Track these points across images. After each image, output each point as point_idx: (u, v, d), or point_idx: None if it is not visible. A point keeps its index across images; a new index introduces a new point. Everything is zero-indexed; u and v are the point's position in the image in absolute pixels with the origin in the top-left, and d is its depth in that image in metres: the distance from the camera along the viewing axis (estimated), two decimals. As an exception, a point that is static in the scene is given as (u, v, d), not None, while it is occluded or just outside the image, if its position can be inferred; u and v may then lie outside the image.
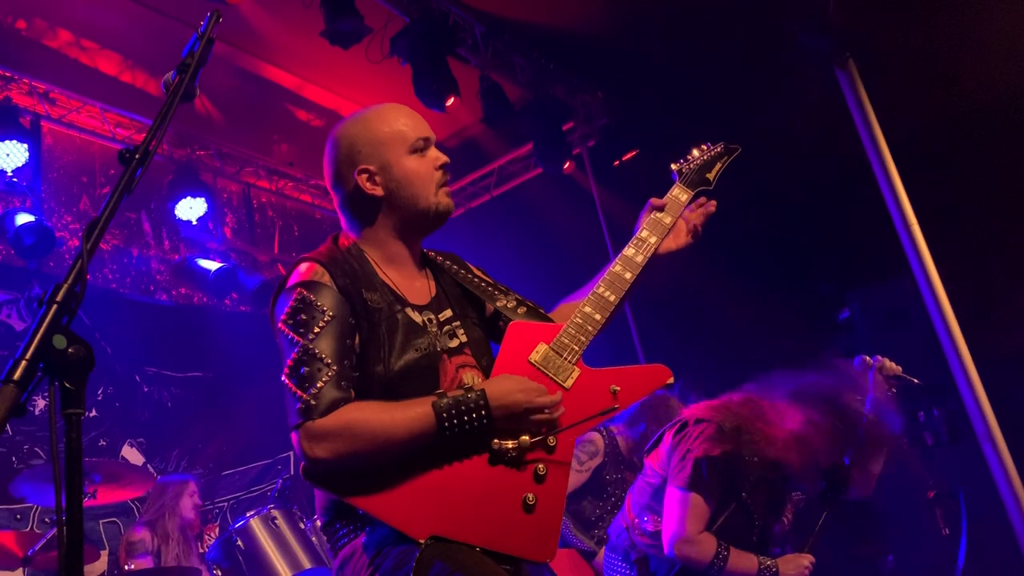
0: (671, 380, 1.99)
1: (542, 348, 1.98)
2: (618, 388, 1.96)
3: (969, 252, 5.86)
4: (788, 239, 6.55)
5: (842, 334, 6.61)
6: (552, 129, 6.97)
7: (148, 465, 6.11)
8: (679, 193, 2.32)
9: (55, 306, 1.19)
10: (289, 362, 1.81)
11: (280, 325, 1.87)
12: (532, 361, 1.97)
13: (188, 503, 5.00)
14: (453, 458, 1.83)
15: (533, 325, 2.03)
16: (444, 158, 2.06)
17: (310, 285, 1.87)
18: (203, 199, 6.48)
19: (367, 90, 7.30)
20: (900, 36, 5.92)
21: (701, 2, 5.89)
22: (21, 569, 4.26)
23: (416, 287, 2.05)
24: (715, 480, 2.91)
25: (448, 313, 2.04)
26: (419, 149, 2.03)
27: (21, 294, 5.76)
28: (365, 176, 2.00)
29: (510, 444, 1.83)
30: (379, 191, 2.00)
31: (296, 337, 1.82)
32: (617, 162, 7.52)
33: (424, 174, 2.01)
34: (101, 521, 5.76)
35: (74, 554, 1.11)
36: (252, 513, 4.56)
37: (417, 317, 1.97)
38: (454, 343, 1.99)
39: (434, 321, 2.00)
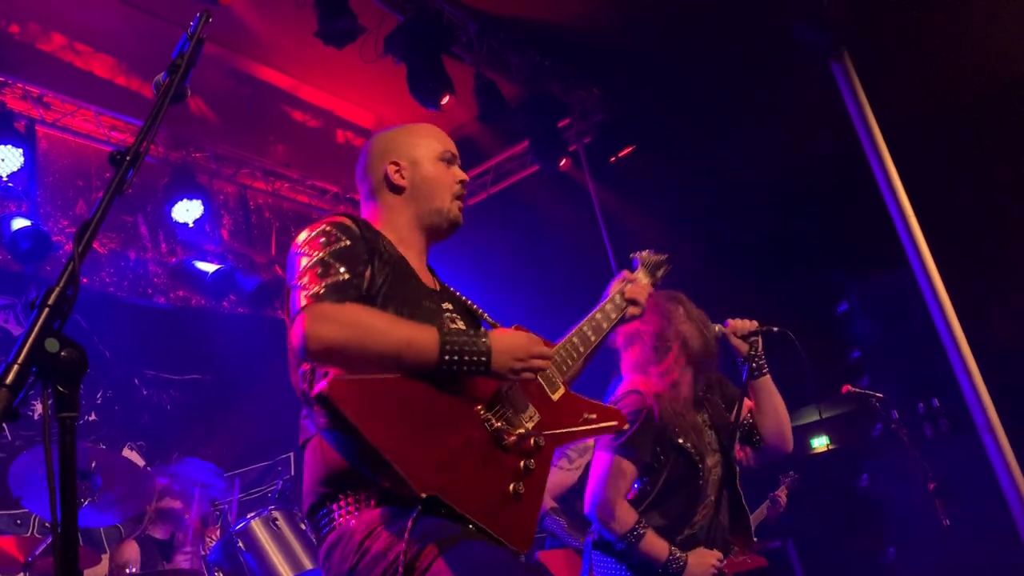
0: (624, 427, 2.25)
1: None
2: (594, 416, 2.15)
3: (967, 243, 5.86)
4: (786, 233, 6.55)
5: (841, 326, 6.62)
6: (548, 126, 6.96)
7: (148, 468, 6.10)
8: (643, 278, 2.63)
9: (47, 309, 1.19)
10: (303, 267, 1.90)
11: (298, 249, 1.97)
12: None
13: (166, 498, 4.98)
14: (460, 425, 1.86)
15: (530, 333, 2.14)
16: (465, 176, 2.26)
17: (335, 223, 2.01)
18: (199, 201, 6.47)
19: (362, 90, 7.30)
20: (895, 29, 5.92)
21: (696, -2, 5.89)
22: (22, 574, 4.25)
23: (426, 275, 2.18)
24: (641, 437, 2.91)
25: (449, 306, 2.16)
26: (446, 160, 2.24)
27: (18, 299, 5.75)
28: (394, 167, 2.19)
29: (513, 431, 1.91)
30: (403, 183, 2.18)
31: (312, 251, 1.93)
32: (613, 158, 7.52)
33: (445, 182, 2.21)
34: (103, 528, 5.75)
35: (70, 556, 1.11)
36: (253, 515, 4.55)
37: (424, 283, 2.12)
38: (455, 325, 2.11)
39: (435, 300, 2.11)
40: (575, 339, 2.25)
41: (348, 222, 2.02)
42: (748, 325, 3.05)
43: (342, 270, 1.88)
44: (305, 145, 7.73)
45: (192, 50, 1.49)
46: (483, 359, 1.85)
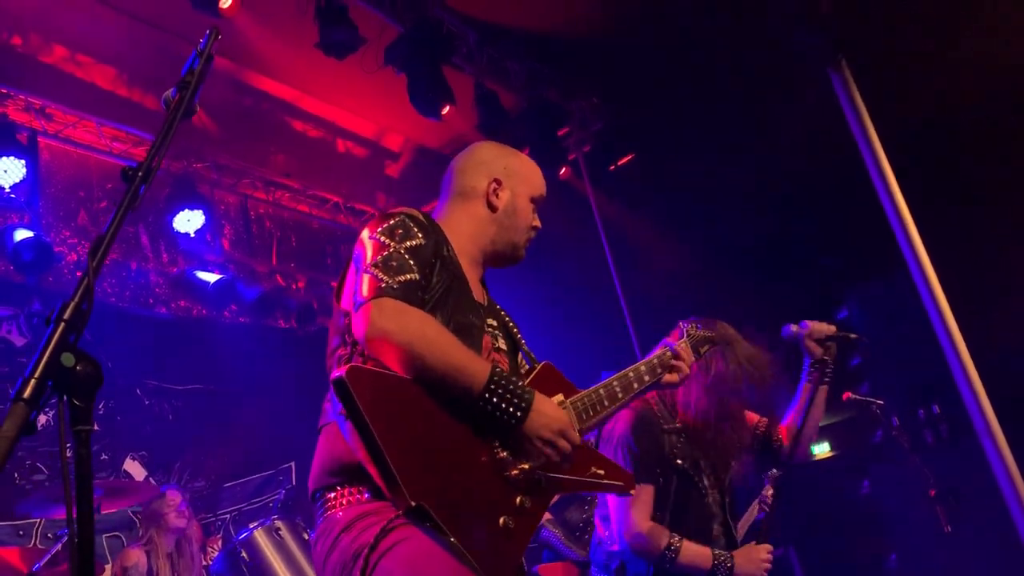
0: (631, 491, 2.20)
1: (560, 398, 2.11)
2: (602, 472, 2.11)
3: (965, 248, 5.88)
4: (785, 239, 6.57)
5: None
6: (547, 135, 6.99)
7: (150, 478, 6.11)
8: (685, 350, 2.55)
9: (63, 324, 1.21)
10: (377, 255, 1.92)
11: (374, 233, 1.98)
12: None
13: (172, 513, 4.98)
14: (468, 445, 1.85)
15: (560, 375, 2.19)
16: (540, 225, 2.35)
17: (411, 215, 2.05)
18: (201, 211, 6.49)
19: (363, 100, 7.33)
20: (893, 36, 5.95)
21: (695, 6, 5.92)
22: (26, 585, 4.25)
23: (477, 288, 2.22)
24: (645, 459, 2.89)
25: (493, 323, 2.20)
26: (535, 203, 2.33)
27: (21, 310, 5.76)
28: (495, 185, 2.25)
29: (519, 465, 1.89)
30: (498, 204, 2.24)
31: (389, 241, 1.95)
32: (613, 167, 7.54)
33: (528, 222, 2.30)
34: (104, 536, 5.75)
35: (87, 566, 1.12)
36: (256, 524, 4.56)
37: (474, 297, 2.14)
38: (498, 344, 2.16)
39: (480, 315, 2.13)
40: (602, 391, 2.22)
41: (422, 218, 2.06)
42: (827, 329, 3.02)
43: (414, 269, 1.92)
44: (306, 155, 7.76)
45: (202, 67, 1.52)
46: (519, 412, 1.87)
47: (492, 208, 2.23)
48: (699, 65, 6.33)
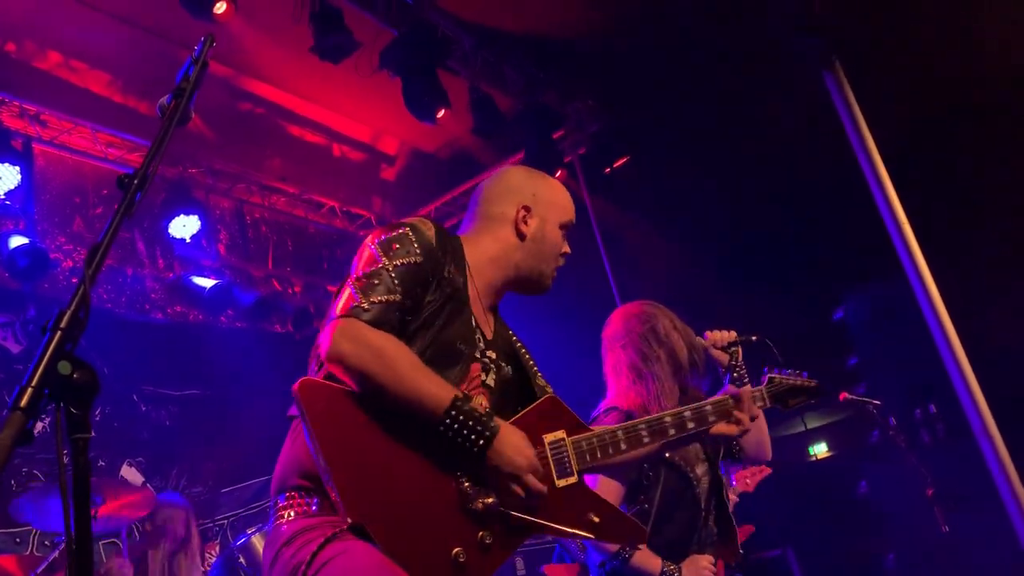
0: (641, 545, 2.08)
1: (560, 435, 2.01)
2: (597, 520, 1.97)
3: (961, 249, 5.90)
4: (780, 241, 6.58)
5: (838, 334, 6.65)
6: (543, 138, 7.00)
7: (147, 484, 6.09)
8: (759, 399, 2.42)
9: (59, 332, 1.21)
10: (364, 270, 1.91)
11: (372, 242, 1.97)
12: (545, 440, 1.99)
13: (180, 527, 4.94)
14: (428, 473, 1.80)
15: (567, 409, 2.07)
16: (569, 251, 2.30)
17: (417, 228, 1.99)
18: (196, 216, 6.48)
19: (358, 104, 7.33)
20: (886, 37, 5.97)
21: (690, 8, 5.93)
22: (23, 593, 4.24)
23: (484, 316, 2.14)
24: None
25: (492, 355, 2.11)
26: (565, 229, 2.28)
27: (16, 316, 5.75)
28: (524, 212, 2.20)
29: (483, 499, 1.82)
30: (527, 231, 2.19)
31: (381, 256, 1.92)
32: (609, 169, 7.55)
33: (557, 249, 2.25)
34: (101, 543, 5.74)
35: (85, 574, 1.12)
36: (253, 530, 4.55)
37: (474, 324, 2.06)
38: (486, 377, 2.06)
39: (482, 345, 2.07)
40: (621, 434, 2.07)
41: (431, 233, 2.00)
42: (726, 336, 3.02)
43: (397, 290, 1.88)
44: (302, 159, 7.76)
45: (197, 73, 1.52)
46: (481, 442, 1.80)
47: (520, 235, 2.18)
48: (694, 67, 6.35)
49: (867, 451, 6.24)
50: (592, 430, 2.05)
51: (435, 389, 1.81)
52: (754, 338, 3.03)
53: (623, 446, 2.06)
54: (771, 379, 2.48)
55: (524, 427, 1.94)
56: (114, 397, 6.17)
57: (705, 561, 2.93)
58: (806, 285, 6.44)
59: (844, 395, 5.44)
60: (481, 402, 2.00)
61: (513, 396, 2.16)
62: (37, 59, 6.22)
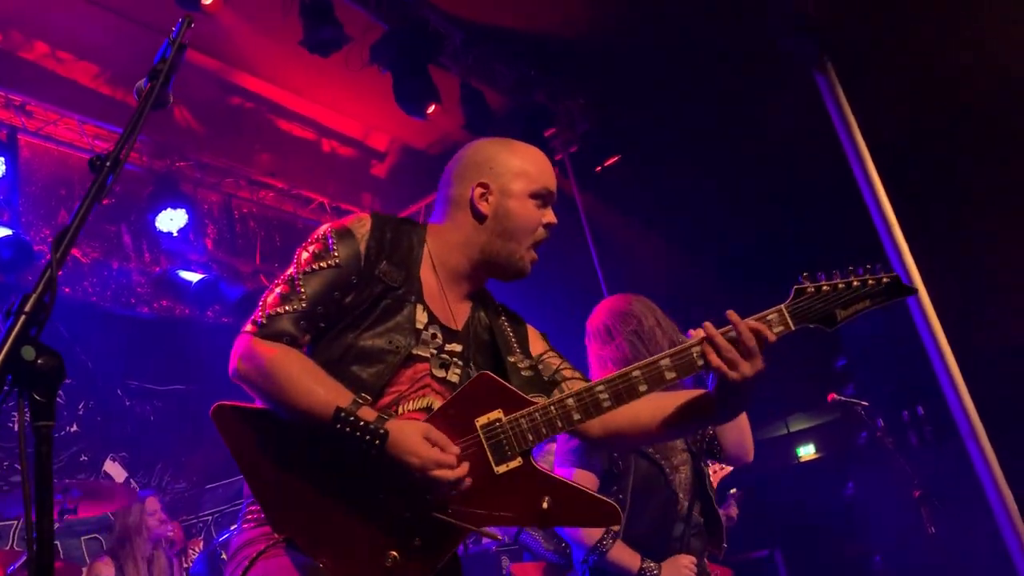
0: (617, 528, 1.82)
1: (496, 416, 1.79)
2: (550, 504, 1.75)
3: (950, 252, 5.91)
4: (770, 241, 6.58)
5: (826, 335, 6.64)
6: (534, 135, 6.97)
7: (131, 479, 6.04)
8: (775, 322, 1.91)
9: (23, 317, 1.17)
10: (282, 277, 1.90)
11: (298, 249, 1.94)
12: (477, 423, 1.79)
13: (152, 521, 4.92)
14: (351, 480, 1.76)
15: (502, 386, 1.82)
16: (554, 220, 2.05)
17: (340, 232, 1.91)
18: (184, 210, 6.43)
19: (348, 99, 7.29)
20: (878, 38, 5.97)
21: (682, 8, 5.92)
22: (1, 588, 4.19)
23: (449, 308, 2.00)
24: (594, 452, 2.88)
25: (457, 349, 1.98)
26: (539, 197, 2.02)
27: (-1, 309, 5.69)
28: (481, 191, 1.99)
29: (401, 501, 1.73)
30: (486, 210, 1.98)
31: (296, 265, 1.89)
32: (599, 168, 7.53)
33: (530, 224, 2.00)
34: (83, 538, 5.68)
35: (45, 565, 1.08)
36: (236, 526, 4.51)
37: (421, 319, 1.92)
38: (440, 372, 1.94)
39: (438, 340, 1.95)
40: (570, 402, 1.81)
41: (359, 229, 1.91)
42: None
43: (304, 298, 1.83)
44: (291, 154, 7.71)
45: (174, 56, 1.48)
46: (374, 448, 1.68)
47: (480, 216, 1.97)
48: (686, 66, 6.34)
49: (854, 453, 6.24)
50: (535, 403, 1.81)
51: (322, 397, 1.72)
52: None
53: (576, 416, 1.80)
54: (799, 290, 1.95)
55: (451, 414, 1.79)
56: (98, 391, 6.11)
57: (686, 560, 2.90)
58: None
59: (832, 396, 5.44)
60: (431, 402, 1.90)
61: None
62: (23, 49, 6.16)
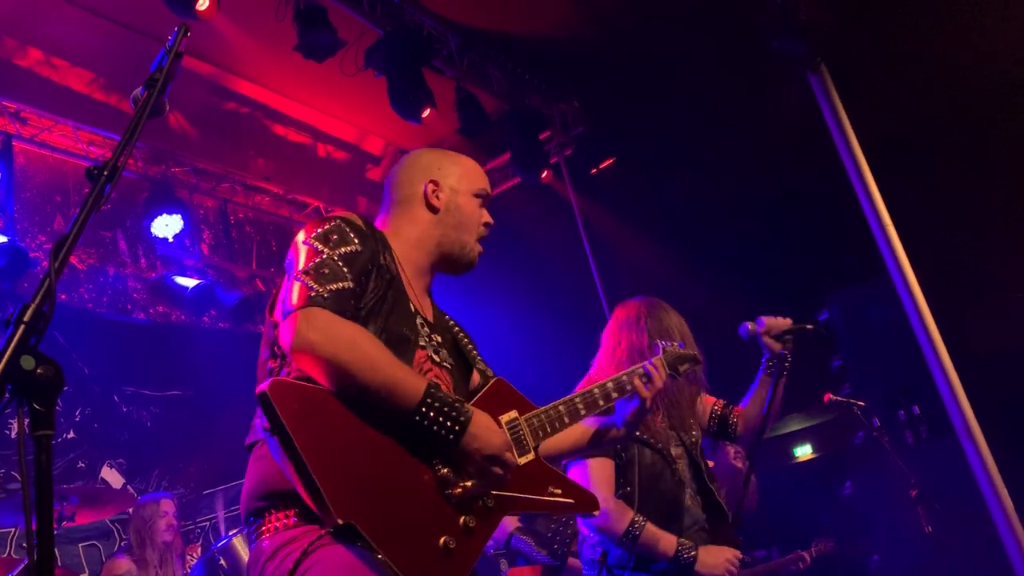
0: (596, 513, 2.12)
1: (514, 415, 2.06)
2: (560, 491, 2.03)
3: (945, 251, 5.93)
4: (765, 243, 6.59)
5: (819, 336, 6.65)
6: (529, 138, 6.99)
7: (128, 486, 6.03)
8: (661, 367, 2.45)
9: (22, 326, 1.17)
10: (309, 262, 1.84)
11: (307, 238, 1.91)
12: (502, 421, 2.02)
13: (162, 524, 4.92)
14: (405, 463, 1.78)
15: (514, 390, 2.11)
16: (491, 221, 2.26)
17: (348, 220, 1.97)
18: (179, 216, 6.42)
19: (343, 104, 7.29)
20: (872, 39, 5.99)
21: (675, 10, 5.93)
22: (-1, 595, 4.19)
23: (421, 300, 2.13)
24: None
25: (437, 338, 2.12)
26: (481, 198, 2.24)
27: (-6, 316, 5.68)
28: (432, 187, 2.18)
29: (460, 483, 1.82)
30: (438, 204, 2.17)
31: (322, 247, 1.88)
32: (595, 170, 7.55)
33: (475, 218, 2.22)
34: (80, 545, 5.67)
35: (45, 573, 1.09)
36: (234, 532, 4.51)
37: (413, 306, 2.05)
38: (436, 358, 2.05)
39: (426, 329, 2.07)
40: (561, 408, 2.16)
41: (360, 223, 1.99)
42: (783, 323, 2.99)
43: (348, 277, 1.84)
44: (286, 159, 7.71)
45: (170, 64, 1.49)
46: (456, 430, 1.79)
47: (433, 209, 2.16)
48: (680, 69, 6.35)
49: (851, 452, 6.25)
50: (538, 408, 2.12)
51: (410, 380, 1.78)
52: (809, 327, 3.02)
53: (566, 419, 2.15)
54: (663, 350, 2.57)
55: (483, 410, 1.95)
56: (95, 398, 6.10)
57: (730, 554, 2.88)
58: (791, 286, 6.44)
59: (828, 396, 5.45)
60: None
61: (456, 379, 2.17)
62: (17, 56, 6.15)
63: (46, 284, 1.22)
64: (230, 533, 4.51)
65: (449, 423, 1.78)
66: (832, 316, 6.48)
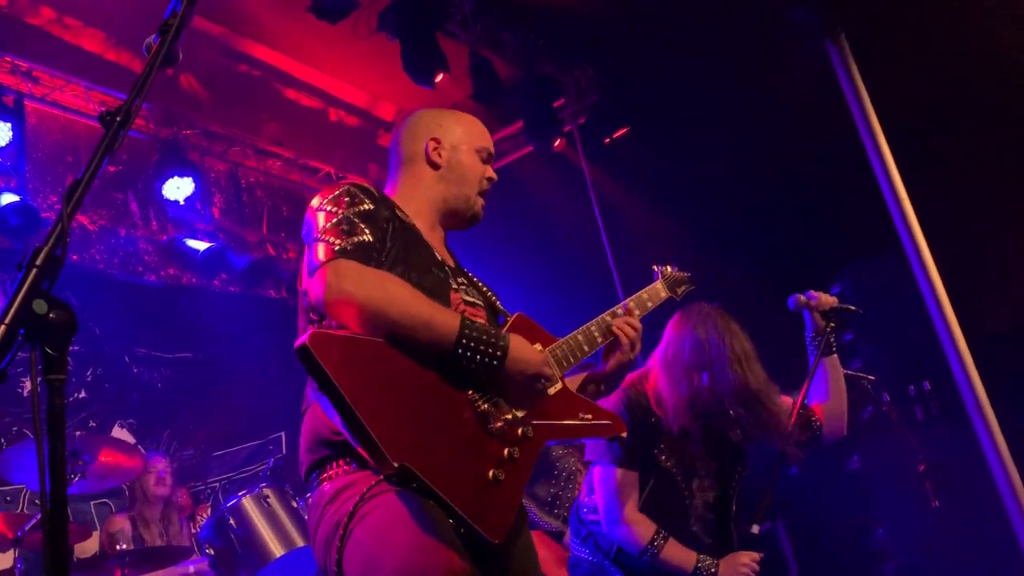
0: (622, 433, 2.13)
1: (537, 347, 2.09)
2: (590, 417, 2.09)
3: (961, 227, 5.86)
4: (779, 214, 6.54)
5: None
6: (542, 106, 6.92)
7: (139, 445, 6.08)
8: (661, 289, 2.62)
9: (35, 270, 1.16)
10: (326, 223, 1.88)
11: (321, 205, 1.95)
12: None
13: (151, 479, 4.99)
14: (447, 402, 1.83)
15: (535, 324, 2.16)
16: (495, 176, 2.31)
17: (358, 185, 2.02)
18: (190, 179, 6.41)
19: (356, 68, 7.23)
20: (892, 9, 5.88)
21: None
22: (12, 550, 4.24)
23: (441, 249, 2.19)
24: (630, 447, 2.88)
25: (463, 281, 2.17)
26: (483, 154, 2.29)
27: (7, 275, 5.70)
28: (434, 144, 2.22)
29: (501, 416, 1.87)
30: (440, 161, 2.22)
31: (338, 209, 1.92)
32: (608, 139, 7.48)
33: (478, 174, 2.26)
34: (92, 503, 5.74)
35: (58, 521, 1.09)
36: (244, 492, 4.55)
37: (438, 255, 2.10)
38: (468, 298, 2.11)
39: (448, 272, 2.10)
40: (580, 336, 2.22)
41: (369, 185, 2.04)
42: (831, 300, 3.03)
43: (367, 231, 1.88)
44: (298, 124, 7.67)
45: (184, 10, 1.46)
46: (497, 357, 1.84)
47: (435, 166, 2.21)
48: (695, 37, 6.26)
49: (860, 426, 6.24)
50: (558, 340, 2.17)
51: (444, 316, 1.83)
52: (852, 308, 3.03)
53: (586, 347, 2.20)
54: (661, 273, 2.65)
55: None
56: (106, 359, 6.14)
57: (746, 557, 2.88)
58: (803, 259, 6.39)
59: (839, 370, 5.42)
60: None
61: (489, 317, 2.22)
62: (29, 15, 6.11)
63: (58, 228, 1.21)
64: (240, 493, 4.55)
65: (491, 350, 1.84)
66: (844, 290, 6.44)
